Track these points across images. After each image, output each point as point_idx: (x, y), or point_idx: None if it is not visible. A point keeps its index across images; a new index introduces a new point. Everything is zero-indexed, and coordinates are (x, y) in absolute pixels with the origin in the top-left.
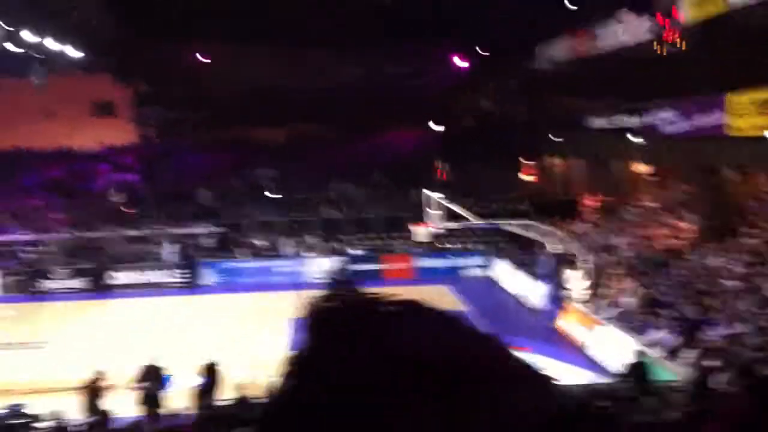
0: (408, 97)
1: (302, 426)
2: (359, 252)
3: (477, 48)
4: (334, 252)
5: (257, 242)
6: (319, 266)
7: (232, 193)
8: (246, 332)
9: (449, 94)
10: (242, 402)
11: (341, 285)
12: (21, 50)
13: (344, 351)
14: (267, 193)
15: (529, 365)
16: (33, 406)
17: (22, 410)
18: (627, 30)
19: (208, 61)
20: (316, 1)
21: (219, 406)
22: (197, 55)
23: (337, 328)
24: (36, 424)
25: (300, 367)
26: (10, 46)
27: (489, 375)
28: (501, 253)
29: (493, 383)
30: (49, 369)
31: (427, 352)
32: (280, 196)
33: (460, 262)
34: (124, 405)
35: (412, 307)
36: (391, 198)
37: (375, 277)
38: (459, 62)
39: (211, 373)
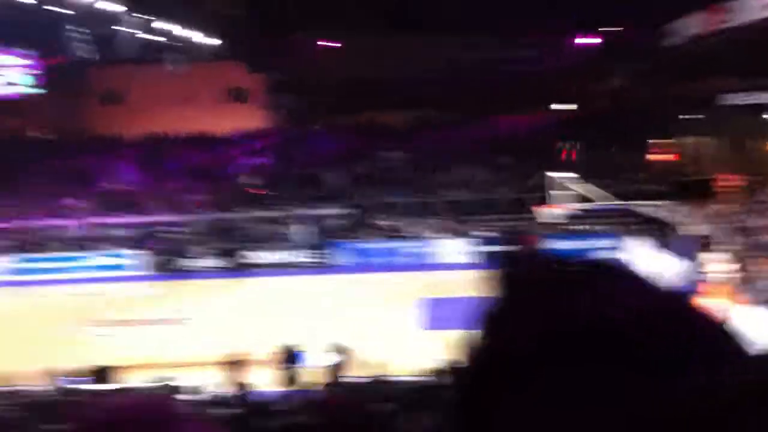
0: (534, 79)
1: (506, 381)
2: (486, 233)
3: (608, 27)
4: (460, 233)
5: (386, 223)
6: (446, 247)
7: (361, 175)
8: (375, 311)
9: (578, 74)
10: (374, 379)
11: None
12: (163, 40)
13: (544, 306)
14: (394, 176)
15: (729, 335)
16: (177, 379)
17: (169, 383)
18: (764, 4)
19: (338, 46)
20: None
21: (351, 383)
22: (327, 42)
23: (534, 285)
24: (181, 396)
25: (497, 324)
26: (152, 37)
27: (688, 346)
28: (631, 235)
29: (695, 354)
30: (192, 344)
31: (623, 313)
32: (406, 178)
33: (586, 244)
34: (261, 380)
35: (608, 266)
36: (515, 180)
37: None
38: (588, 42)
39: (341, 351)
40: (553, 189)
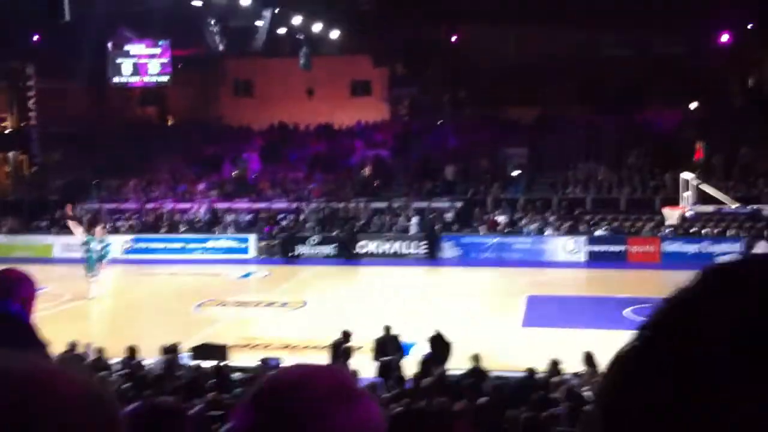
0: (670, 76)
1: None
2: (604, 233)
3: (747, 24)
4: (578, 232)
5: (500, 218)
6: (561, 245)
7: (479, 169)
8: (482, 306)
9: (716, 72)
10: (476, 372)
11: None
12: (288, 32)
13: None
14: (514, 172)
15: None
16: (287, 361)
17: (278, 364)
18: None
19: (462, 39)
20: None
21: (452, 376)
22: (452, 35)
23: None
24: None
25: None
26: (283, 29)
27: None
28: (763, 239)
29: None
30: (303, 328)
31: None
32: (527, 173)
33: (714, 248)
34: (365, 366)
35: None
36: (643, 179)
37: (619, 259)
38: (727, 39)
39: (442, 343)
40: (684, 190)
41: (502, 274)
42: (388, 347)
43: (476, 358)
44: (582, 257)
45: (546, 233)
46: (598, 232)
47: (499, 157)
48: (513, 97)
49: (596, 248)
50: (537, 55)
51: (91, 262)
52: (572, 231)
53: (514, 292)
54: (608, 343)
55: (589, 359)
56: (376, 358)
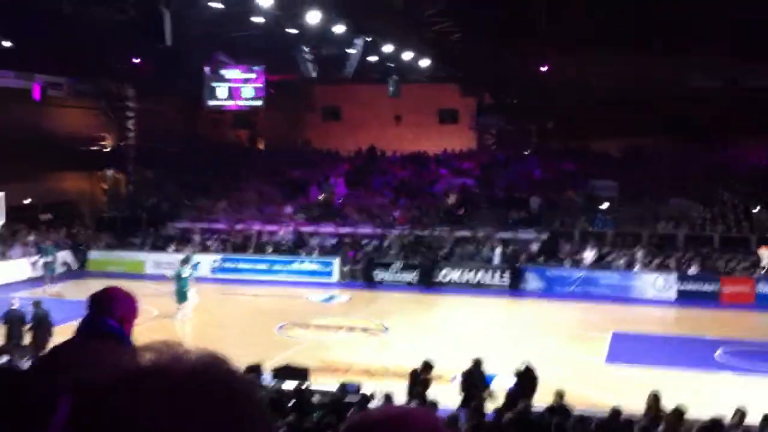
0: (761, 109)
1: None
2: (695, 271)
3: None
4: (667, 269)
5: (586, 252)
6: (649, 282)
7: (565, 201)
8: (565, 340)
9: None
10: (558, 409)
11: None
12: (378, 60)
13: None
14: (602, 205)
15: None
16: (366, 386)
17: (357, 390)
18: None
19: (551, 70)
20: (664, 9)
21: (534, 412)
22: (541, 65)
23: None
24: (370, 405)
25: None
26: (373, 57)
27: None
28: None
29: None
30: (383, 354)
31: None
32: (614, 207)
33: None
34: (446, 396)
35: None
36: (736, 216)
37: (711, 298)
38: None
39: (526, 376)
40: None
41: (586, 309)
42: (470, 377)
43: (560, 394)
44: (672, 295)
45: (634, 269)
46: (690, 271)
47: (586, 189)
48: (600, 129)
49: (687, 287)
50: (625, 87)
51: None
52: (662, 268)
53: (599, 327)
54: (696, 385)
55: (654, 400)
56: (461, 387)
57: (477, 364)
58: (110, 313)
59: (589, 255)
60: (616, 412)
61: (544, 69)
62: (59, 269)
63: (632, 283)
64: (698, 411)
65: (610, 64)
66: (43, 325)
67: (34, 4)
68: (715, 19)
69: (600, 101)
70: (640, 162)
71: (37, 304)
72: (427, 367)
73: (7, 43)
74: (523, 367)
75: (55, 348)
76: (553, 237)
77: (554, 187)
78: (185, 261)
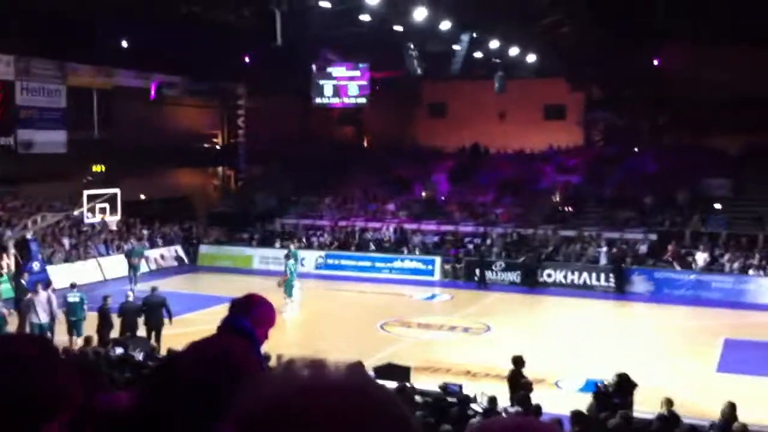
0: None
1: None
2: None
3: None
4: None
5: (698, 254)
6: (765, 287)
7: (678, 201)
8: (673, 346)
9: None
10: (668, 417)
11: None
12: (484, 56)
13: None
14: (716, 205)
15: None
16: (467, 388)
17: (459, 391)
18: None
19: (665, 63)
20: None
21: (641, 419)
22: (654, 58)
23: None
24: (472, 406)
25: None
26: (480, 54)
27: None
28: None
29: None
30: (485, 355)
31: None
32: (728, 207)
33: None
34: (549, 400)
35: None
36: None
37: None
38: None
39: (626, 383)
40: None
41: (697, 313)
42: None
43: (669, 402)
44: None
45: (749, 272)
46: None
47: (701, 188)
48: (717, 125)
49: None
50: (744, 81)
51: (290, 281)
52: None
53: (710, 334)
54: None
55: (731, 408)
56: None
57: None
58: (246, 315)
59: (700, 257)
60: (722, 421)
61: (657, 62)
62: (160, 264)
63: (746, 287)
64: None
65: (726, 59)
66: (155, 311)
67: (151, 6)
68: None
69: (716, 97)
70: (757, 160)
71: (153, 288)
72: (518, 362)
73: (126, 44)
74: (620, 374)
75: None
76: (663, 237)
77: (665, 185)
78: (288, 256)
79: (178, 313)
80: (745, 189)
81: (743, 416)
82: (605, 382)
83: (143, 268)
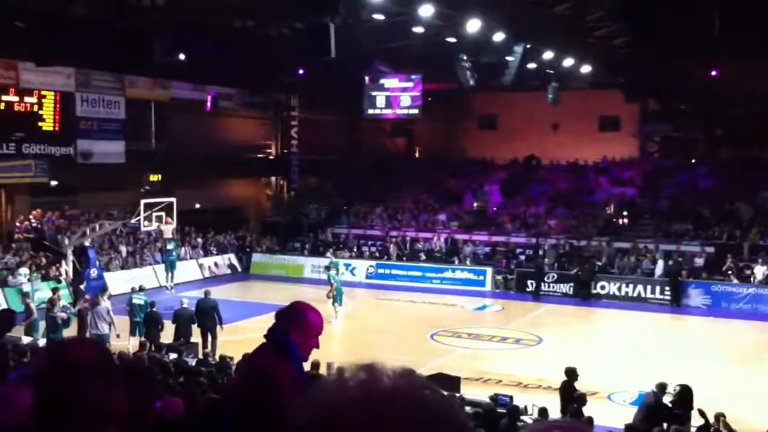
0: None
1: None
2: None
3: None
4: None
5: (757, 267)
6: None
7: (734, 213)
8: (732, 362)
9: None
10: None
11: None
12: (541, 67)
13: None
14: None
15: None
16: (518, 399)
17: (509, 402)
18: None
19: (722, 75)
20: None
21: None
22: (711, 70)
23: None
24: (522, 418)
25: None
26: (532, 65)
27: None
28: None
29: None
30: (536, 367)
31: None
32: None
33: None
34: (601, 413)
35: None
36: None
37: None
38: None
39: (687, 395)
40: None
41: (756, 328)
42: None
43: (720, 418)
44: None
45: None
46: None
47: (758, 200)
48: None
49: None
50: None
51: (339, 290)
52: None
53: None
54: None
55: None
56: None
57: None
58: (290, 324)
59: (760, 270)
60: None
61: (714, 74)
62: (214, 272)
63: None
64: None
65: None
66: (208, 314)
67: (207, 21)
68: None
69: None
70: None
71: (206, 292)
72: (572, 375)
73: (182, 57)
74: (682, 386)
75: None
76: (721, 250)
77: (722, 197)
78: (329, 267)
79: (229, 321)
80: None
81: None
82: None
83: (196, 275)
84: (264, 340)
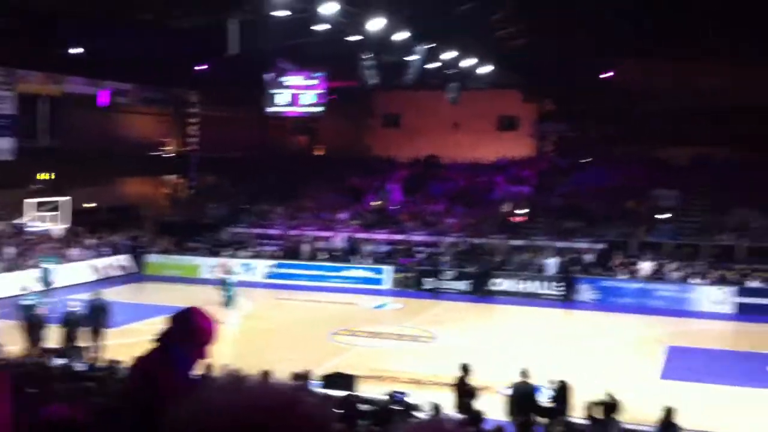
0: None
1: None
2: (756, 284)
3: None
4: (727, 281)
5: (643, 263)
6: (707, 295)
7: (625, 211)
8: (618, 353)
9: None
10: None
11: None
12: (442, 67)
13: None
14: (661, 215)
15: None
16: (414, 396)
17: (404, 398)
18: None
19: (616, 77)
20: (718, 15)
21: (574, 423)
22: (605, 71)
23: None
24: (417, 414)
25: None
26: (434, 64)
27: None
28: None
29: None
30: (433, 363)
31: None
32: (674, 217)
33: None
34: (492, 408)
35: None
36: None
37: None
38: None
39: (564, 390)
40: None
41: (641, 321)
42: (518, 391)
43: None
44: (730, 309)
45: (692, 281)
46: (751, 284)
47: (649, 198)
48: (666, 137)
49: (747, 300)
50: (692, 94)
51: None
52: (721, 280)
53: (654, 341)
54: (753, 403)
55: (668, 414)
56: (508, 399)
57: (521, 379)
58: (181, 332)
59: (645, 266)
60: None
61: (608, 75)
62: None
63: (689, 295)
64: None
65: (678, 71)
66: (98, 315)
67: (103, 13)
68: None
69: (666, 110)
70: (705, 172)
71: (97, 293)
72: (466, 371)
73: (77, 50)
74: (559, 382)
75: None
76: (610, 247)
77: (615, 195)
78: (224, 282)
79: (121, 323)
80: (691, 200)
81: (686, 423)
82: (542, 389)
83: (87, 276)
84: (154, 345)
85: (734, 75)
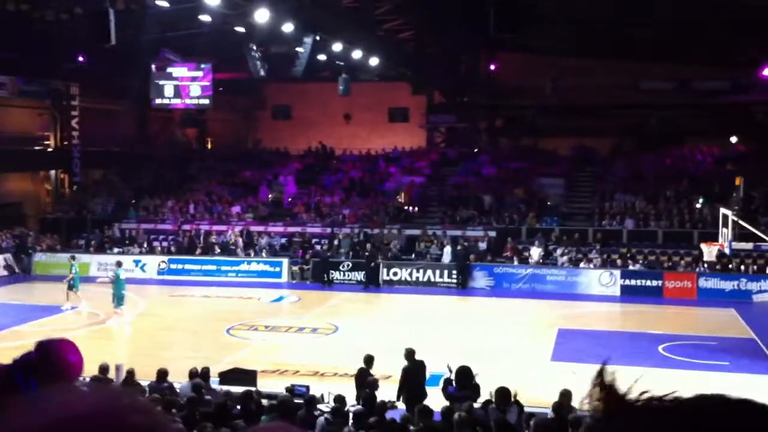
0: (711, 111)
1: None
2: (639, 267)
3: None
4: (613, 265)
5: (533, 249)
6: (595, 278)
7: (515, 199)
8: (511, 338)
9: (757, 106)
10: (494, 406)
11: None
12: (328, 58)
13: None
14: (549, 202)
15: None
16: (315, 388)
17: (306, 392)
18: None
19: (501, 69)
20: (622, 12)
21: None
22: (490, 64)
23: None
24: (319, 406)
25: None
26: (323, 56)
27: None
28: None
29: None
30: (333, 355)
31: None
32: (561, 205)
33: (751, 285)
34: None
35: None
36: (681, 214)
37: (655, 294)
38: None
39: (465, 376)
40: (724, 226)
41: (533, 306)
42: (417, 378)
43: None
44: (617, 291)
45: (580, 265)
46: (634, 266)
47: (535, 187)
48: (551, 128)
49: (631, 282)
50: (576, 87)
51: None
52: (607, 264)
53: (545, 325)
54: (640, 380)
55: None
56: (400, 394)
57: (409, 358)
58: (36, 364)
59: (535, 252)
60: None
61: (494, 68)
62: None
63: (578, 279)
64: None
65: (562, 64)
66: None
67: None
68: (663, 24)
69: (551, 100)
70: (590, 161)
71: None
72: (370, 362)
73: None
74: (460, 367)
75: None
76: (502, 235)
77: (503, 184)
78: (120, 263)
79: (8, 326)
80: (576, 187)
81: (575, 402)
82: (446, 376)
83: None
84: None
85: (616, 70)
